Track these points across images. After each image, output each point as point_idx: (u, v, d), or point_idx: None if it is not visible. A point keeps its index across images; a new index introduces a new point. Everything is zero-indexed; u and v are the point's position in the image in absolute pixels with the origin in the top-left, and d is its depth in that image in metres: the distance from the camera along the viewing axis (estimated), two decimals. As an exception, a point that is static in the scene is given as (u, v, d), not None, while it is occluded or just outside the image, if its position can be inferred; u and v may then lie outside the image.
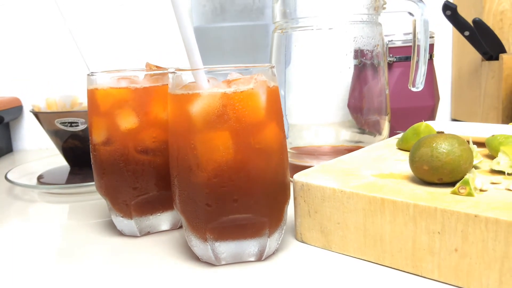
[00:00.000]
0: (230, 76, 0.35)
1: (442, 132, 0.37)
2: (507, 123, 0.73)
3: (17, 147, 0.98)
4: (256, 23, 0.75)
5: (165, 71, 0.42)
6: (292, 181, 0.40)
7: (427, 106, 0.75)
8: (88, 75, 0.42)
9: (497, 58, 0.77)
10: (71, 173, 0.68)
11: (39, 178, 0.66)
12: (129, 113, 0.41)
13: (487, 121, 0.81)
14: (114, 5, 0.94)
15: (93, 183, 0.58)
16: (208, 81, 0.35)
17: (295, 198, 0.40)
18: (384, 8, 0.56)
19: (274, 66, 0.36)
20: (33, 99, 0.89)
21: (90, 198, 0.59)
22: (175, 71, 0.35)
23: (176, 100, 0.35)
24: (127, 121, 0.41)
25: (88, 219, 0.51)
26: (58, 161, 0.73)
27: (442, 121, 0.53)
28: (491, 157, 0.44)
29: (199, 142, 0.34)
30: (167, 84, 0.42)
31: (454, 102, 0.98)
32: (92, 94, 0.42)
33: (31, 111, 0.66)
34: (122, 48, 0.94)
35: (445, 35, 0.97)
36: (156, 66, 0.44)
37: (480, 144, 0.45)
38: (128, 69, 0.42)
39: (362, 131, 0.59)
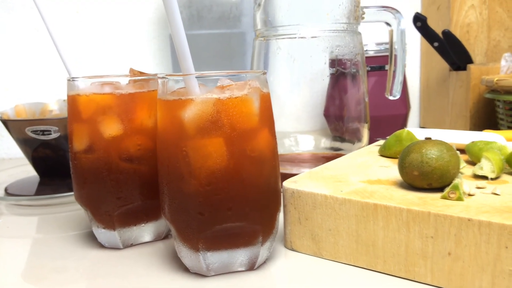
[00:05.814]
0: (220, 82, 0.34)
1: (430, 138, 0.38)
2: (475, 130, 0.76)
3: (-23, 157, 0.93)
4: (233, 31, 0.75)
5: (151, 76, 0.41)
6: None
7: (400, 114, 0.77)
8: (69, 80, 0.40)
9: (464, 68, 0.81)
10: (41, 183, 0.65)
11: (6, 189, 0.62)
12: (113, 119, 0.39)
13: (455, 129, 0.84)
14: (96, 10, 0.91)
15: (66, 194, 0.56)
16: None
17: (285, 206, 0.40)
18: (362, 18, 0.57)
19: (266, 72, 0.36)
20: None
21: (63, 210, 0.56)
22: (166, 76, 0.34)
23: (167, 106, 0.34)
24: (111, 128, 0.39)
25: (62, 231, 0.48)
26: (26, 172, 0.70)
27: (417, 129, 0.54)
28: (471, 163, 0.45)
29: (192, 149, 0.33)
30: (152, 90, 0.41)
31: (423, 111, 1.01)
32: (73, 100, 0.40)
33: (-1, 119, 0.63)
34: (104, 54, 0.92)
35: (414, 45, 1.01)
36: (140, 72, 0.43)
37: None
38: (111, 74, 0.40)
39: (342, 139, 0.60)
